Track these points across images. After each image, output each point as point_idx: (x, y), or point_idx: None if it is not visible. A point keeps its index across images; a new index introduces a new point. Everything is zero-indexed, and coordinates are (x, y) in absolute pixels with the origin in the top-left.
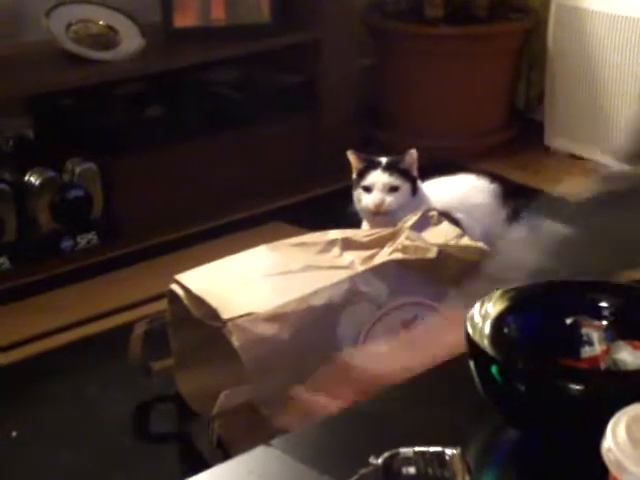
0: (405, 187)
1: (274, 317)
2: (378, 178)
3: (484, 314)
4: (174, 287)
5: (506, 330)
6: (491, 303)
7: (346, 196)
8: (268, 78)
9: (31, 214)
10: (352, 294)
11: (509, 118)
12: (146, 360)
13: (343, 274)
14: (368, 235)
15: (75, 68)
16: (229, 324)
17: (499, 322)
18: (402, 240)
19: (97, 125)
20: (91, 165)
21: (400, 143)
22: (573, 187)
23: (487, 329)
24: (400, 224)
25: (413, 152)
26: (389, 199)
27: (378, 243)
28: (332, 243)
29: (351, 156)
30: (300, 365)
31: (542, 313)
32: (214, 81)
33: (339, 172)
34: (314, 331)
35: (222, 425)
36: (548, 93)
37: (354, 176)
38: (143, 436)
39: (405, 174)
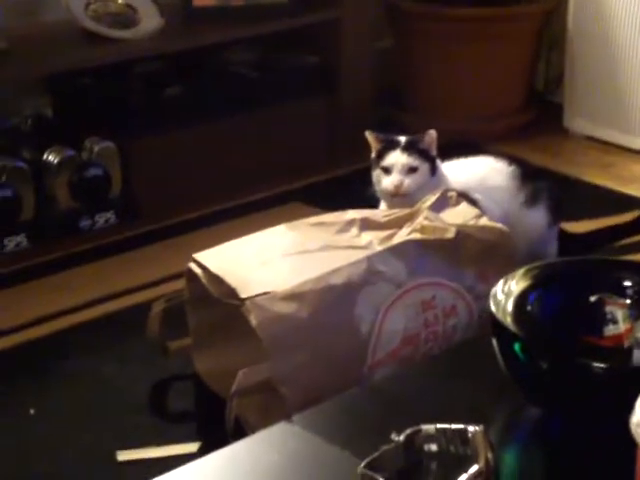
0: (424, 167)
1: (292, 296)
2: (397, 159)
3: (507, 292)
4: (192, 266)
5: (529, 308)
6: (514, 281)
7: (364, 177)
8: (287, 59)
9: (49, 193)
10: (370, 274)
11: (528, 100)
12: (164, 339)
13: (361, 254)
14: (386, 215)
15: (94, 47)
16: (247, 302)
17: (522, 300)
18: (420, 220)
19: (116, 104)
20: (110, 144)
21: (419, 125)
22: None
23: (510, 307)
24: (419, 204)
25: (432, 132)
26: (408, 180)
27: (396, 223)
28: (350, 223)
29: (370, 136)
30: (318, 344)
31: (565, 291)
32: (233, 61)
33: (357, 153)
34: (332, 310)
35: (240, 404)
36: (568, 74)
37: (373, 156)
38: (160, 415)
39: (424, 154)
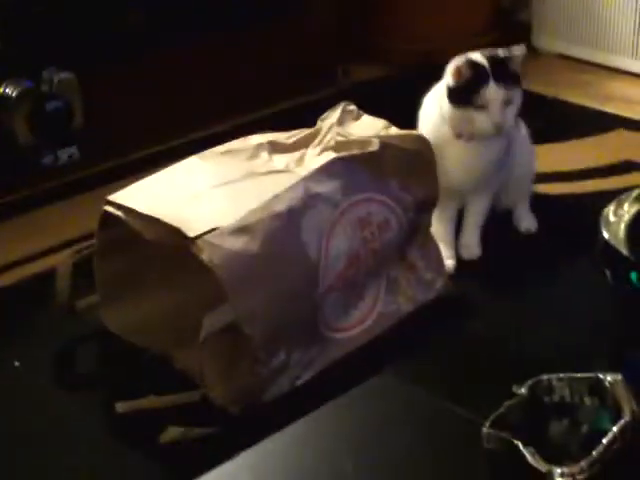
0: (518, 95)
1: (241, 229)
2: (495, 94)
3: (620, 214)
4: (110, 209)
5: None
6: (627, 203)
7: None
8: None
9: (7, 128)
10: (309, 197)
11: (494, 19)
12: (73, 297)
13: (293, 178)
14: (290, 137)
15: None
16: (198, 242)
17: (636, 224)
18: (333, 136)
19: (74, 31)
20: (70, 74)
21: (382, 47)
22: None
23: (623, 232)
24: (319, 122)
25: (523, 47)
26: (507, 115)
27: (303, 143)
28: (259, 148)
29: (459, 65)
30: (272, 277)
31: None
32: None
33: (328, 78)
34: (281, 239)
35: (188, 354)
36: None
37: (452, 85)
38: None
39: (516, 78)
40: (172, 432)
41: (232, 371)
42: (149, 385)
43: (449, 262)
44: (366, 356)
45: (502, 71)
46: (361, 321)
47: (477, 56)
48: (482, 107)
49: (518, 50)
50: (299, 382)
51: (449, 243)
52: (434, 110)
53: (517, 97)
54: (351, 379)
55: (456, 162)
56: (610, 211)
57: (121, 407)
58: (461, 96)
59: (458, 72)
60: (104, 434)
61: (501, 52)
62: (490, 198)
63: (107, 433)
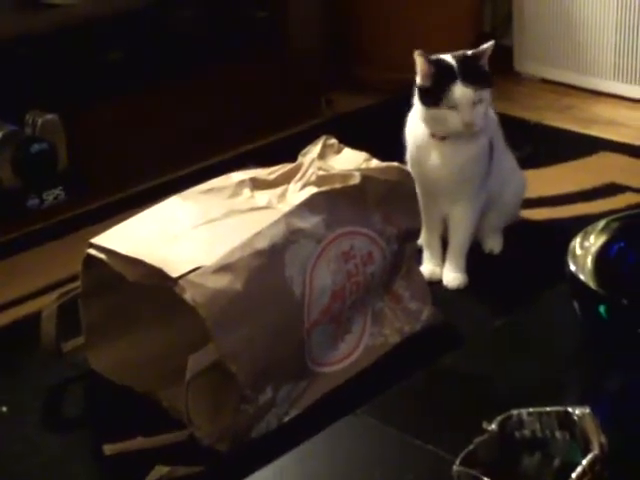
0: (487, 94)
1: (223, 267)
2: (464, 94)
3: (587, 246)
4: (93, 252)
5: (611, 264)
6: (593, 235)
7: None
8: (232, 14)
9: None
10: (291, 232)
11: (476, 44)
12: (60, 340)
13: (274, 214)
14: (272, 172)
15: (26, 13)
16: (180, 282)
17: (603, 255)
18: (314, 171)
19: (56, 73)
20: (53, 116)
21: (365, 73)
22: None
23: (590, 263)
24: (300, 157)
25: (490, 45)
26: (477, 114)
27: (285, 179)
28: (240, 185)
29: (419, 59)
30: (257, 314)
31: None
32: (176, 20)
33: (311, 109)
34: (264, 276)
35: (175, 392)
36: (516, 15)
37: (421, 84)
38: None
39: (485, 77)
40: (158, 471)
41: (219, 410)
42: (136, 425)
43: (436, 270)
44: (342, 392)
45: (471, 70)
46: (348, 354)
47: (445, 56)
48: (452, 107)
49: (486, 48)
50: (287, 418)
51: (435, 250)
52: (414, 114)
53: (487, 95)
54: (336, 415)
55: (433, 161)
56: (577, 243)
57: (109, 449)
58: (430, 96)
59: (425, 72)
60: (92, 475)
61: (469, 52)
62: (474, 218)
63: (95, 475)
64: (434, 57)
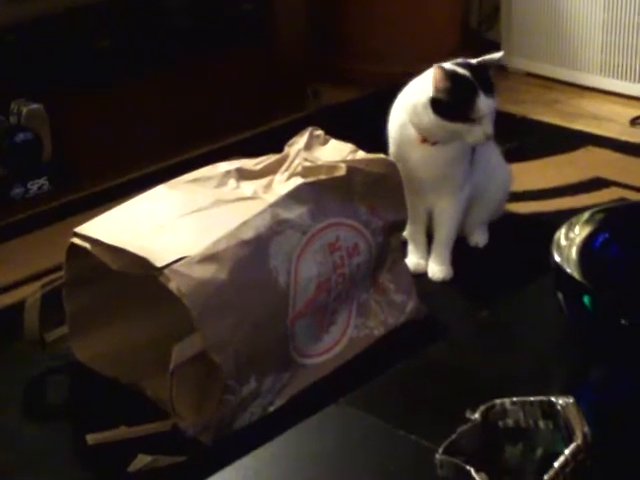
0: (496, 101)
1: (208, 257)
2: (488, 107)
3: (572, 237)
4: (77, 241)
5: (596, 255)
6: (578, 226)
7: (310, 124)
8: (217, 6)
9: None
10: (276, 223)
11: (463, 40)
12: (43, 330)
13: (261, 205)
14: (257, 163)
15: (13, 1)
16: (165, 271)
17: (588, 246)
18: (300, 162)
19: (41, 62)
20: (38, 106)
21: (353, 69)
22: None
23: (574, 255)
24: (286, 148)
25: (500, 55)
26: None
27: (271, 170)
28: (227, 175)
29: (438, 73)
30: (241, 304)
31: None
32: (163, 11)
33: (297, 101)
34: (249, 267)
35: (156, 384)
36: (503, 10)
37: (435, 96)
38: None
39: (493, 84)
40: (141, 460)
41: (203, 400)
42: (120, 415)
43: (421, 262)
44: (326, 383)
45: (486, 81)
46: (332, 346)
47: (460, 69)
48: (473, 120)
49: (497, 54)
50: (271, 409)
51: (420, 242)
52: (400, 114)
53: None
54: (320, 405)
55: (420, 163)
56: (562, 234)
57: (92, 439)
58: (452, 110)
59: (443, 86)
60: (75, 465)
61: (474, 61)
62: (459, 211)
63: (78, 464)
64: (450, 69)
